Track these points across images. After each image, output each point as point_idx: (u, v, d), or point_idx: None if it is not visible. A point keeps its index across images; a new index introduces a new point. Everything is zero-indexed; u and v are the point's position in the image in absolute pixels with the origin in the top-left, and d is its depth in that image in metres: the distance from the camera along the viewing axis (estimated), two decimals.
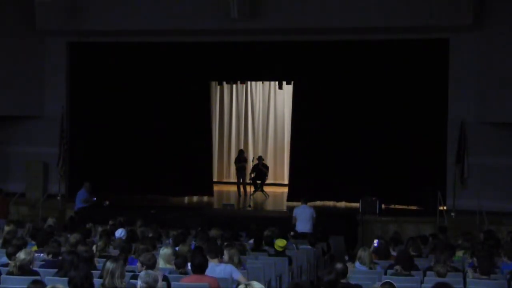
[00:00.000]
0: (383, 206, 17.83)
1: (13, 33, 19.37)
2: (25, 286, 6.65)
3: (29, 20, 19.10)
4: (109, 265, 7.17)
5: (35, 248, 10.53)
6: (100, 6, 19.02)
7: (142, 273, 7.14)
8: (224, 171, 24.40)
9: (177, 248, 10.16)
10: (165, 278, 7.99)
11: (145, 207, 18.40)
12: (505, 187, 17.69)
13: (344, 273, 7.86)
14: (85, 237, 11.26)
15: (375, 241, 11.54)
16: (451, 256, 10.31)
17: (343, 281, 7.75)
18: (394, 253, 11.08)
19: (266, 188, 21.44)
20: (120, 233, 11.98)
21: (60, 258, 8.90)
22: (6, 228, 12.06)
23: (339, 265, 7.91)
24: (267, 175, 21.55)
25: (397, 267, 9.19)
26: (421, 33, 18.23)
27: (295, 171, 19.92)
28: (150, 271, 7.30)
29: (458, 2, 17.04)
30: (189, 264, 8.76)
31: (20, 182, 19.61)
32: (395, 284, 7.22)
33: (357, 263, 9.73)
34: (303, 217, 15.34)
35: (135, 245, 10.28)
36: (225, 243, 10.67)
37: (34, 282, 6.50)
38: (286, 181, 21.60)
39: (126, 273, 7.58)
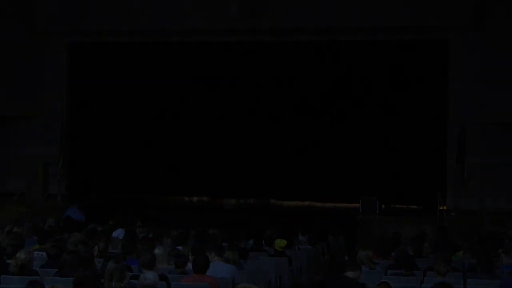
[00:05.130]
0: (383, 206, 17.82)
1: (13, 33, 19.33)
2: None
3: (29, 20, 19.07)
4: (109, 266, 7.16)
5: (37, 246, 10.51)
6: (100, 6, 18.99)
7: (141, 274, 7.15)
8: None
9: (179, 248, 10.16)
10: (163, 278, 7.97)
11: (145, 207, 18.37)
12: (506, 187, 17.65)
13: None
14: (88, 237, 11.23)
15: None
16: (451, 256, 10.30)
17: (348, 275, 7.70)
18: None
19: None
20: (118, 233, 11.97)
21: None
22: (7, 229, 12.05)
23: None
24: None
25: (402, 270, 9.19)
26: (421, 33, 18.22)
27: (294, 171, 19.89)
28: (148, 271, 7.31)
29: (458, 2, 17.07)
30: (189, 264, 8.76)
31: (20, 182, 19.56)
32: (395, 284, 7.22)
33: None
34: None
35: (135, 245, 10.26)
36: (224, 244, 10.67)
37: (31, 282, 6.47)
38: None
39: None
